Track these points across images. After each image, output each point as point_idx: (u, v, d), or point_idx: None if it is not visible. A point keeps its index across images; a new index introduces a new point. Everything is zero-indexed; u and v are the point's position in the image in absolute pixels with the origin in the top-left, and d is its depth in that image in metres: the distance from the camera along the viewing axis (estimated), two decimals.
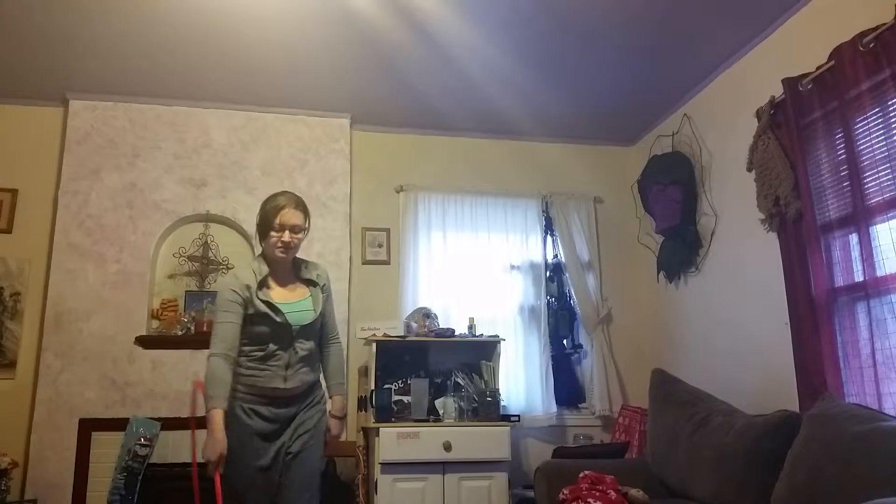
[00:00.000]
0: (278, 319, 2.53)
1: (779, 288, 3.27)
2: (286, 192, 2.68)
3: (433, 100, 4.27)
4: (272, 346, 2.54)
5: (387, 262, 4.46)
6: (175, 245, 4.21)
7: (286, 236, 2.57)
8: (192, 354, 3.94)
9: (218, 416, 2.36)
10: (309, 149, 4.46)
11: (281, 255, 2.58)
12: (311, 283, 2.70)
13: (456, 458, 3.65)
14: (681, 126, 4.29)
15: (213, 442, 2.34)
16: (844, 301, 2.93)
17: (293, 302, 2.61)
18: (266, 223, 2.58)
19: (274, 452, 2.53)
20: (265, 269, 2.61)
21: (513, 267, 4.59)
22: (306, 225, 2.64)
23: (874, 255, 2.71)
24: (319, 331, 2.71)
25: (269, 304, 2.53)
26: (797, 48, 3.29)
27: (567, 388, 4.57)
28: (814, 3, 3.23)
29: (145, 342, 3.97)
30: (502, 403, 3.98)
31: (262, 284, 2.58)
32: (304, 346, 2.60)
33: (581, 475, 2.99)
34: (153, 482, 3.69)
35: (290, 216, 2.58)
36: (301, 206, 2.63)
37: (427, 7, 3.31)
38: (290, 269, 2.68)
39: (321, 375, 2.75)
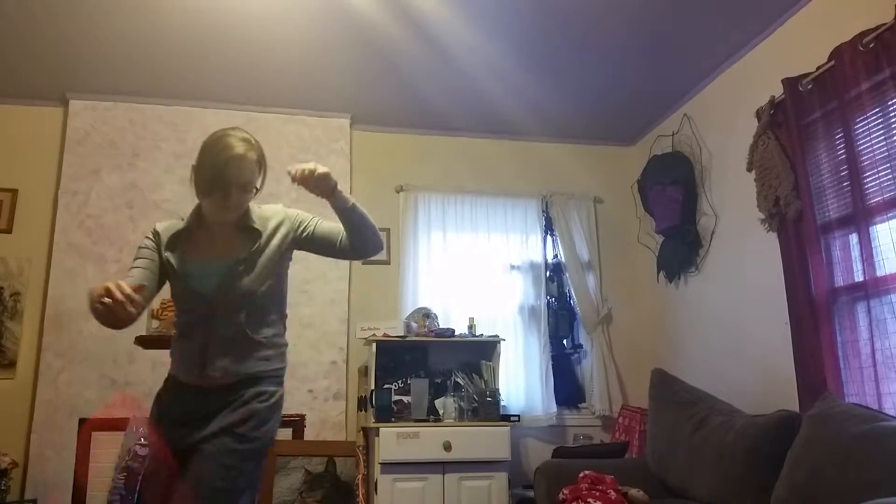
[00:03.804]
0: (181, 282, 1.98)
1: (779, 288, 3.27)
2: (237, 129, 1.99)
3: (433, 100, 4.27)
4: (184, 319, 2.01)
5: (387, 262, 4.45)
6: None
7: (233, 198, 1.93)
8: None
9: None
10: (309, 149, 4.46)
11: (222, 217, 1.99)
12: (252, 231, 2.02)
13: (456, 458, 3.65)
14: (681, 126, 4.29)
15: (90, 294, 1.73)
16: (844, 301, 2.93)
17: (210, 260, 1.98)
18: (210, 175, 1.91)
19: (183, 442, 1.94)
20: (192, 223, 2.04)
21: (513, 267, 4.59)
22: (259, 179, 1.99)
23: (874, 255, 2.71)
24: (330, 251, 2.14)
25: (168, 260, 1.99)
26: (797, 48, 3.29)
27: (567, 388, 4.57)
28: (814, 3, 3.23)
29: (145, 342, 3.95)
30: (502, 403, 3.98)
31: (180, 235, 2.02)
32: (228, 326, 1.95)
33: (581, 475, 2.99)
34: None
35: (242, 170, 1.92)
36: (256, 149, 1.96)
37: (427, 7, 3.31)
38: (231, 222, 2.03)
39: (274, 366, 2.04)
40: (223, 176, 1.90)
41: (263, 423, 1.97)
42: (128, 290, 1.68)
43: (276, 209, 2.11)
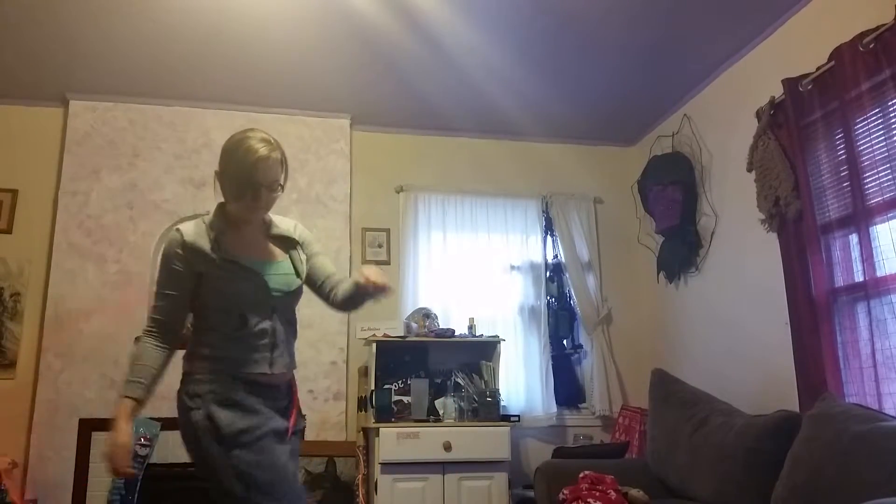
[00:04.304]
0: (251, 278, 1.98)
1: (779, 288, 3.27)
2: (255, 130, 2.01)
3: (433, 100, 4.27)
4: (250, 316, 1.96)
5: (387, 262, 4.45)
6: None
7: (262, 198, 1.98)
8: None
9: (125, 406, 1.87)
10: (309, 149, 4.46)
11: (252, 218, 2.04)
12: (286, 241, 2.11)
13: (456, 458, 3.65)
14: (681, 126, 4.29)
15: (111, 437, 1.84)
16: (844, 301, 2.93)
17: (269, 262, 2.04)
18: (238, 180, 1.94)
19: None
20: (220, 225, 2.02)
21: (513, 267, 4.59)
22: (283, 176, 2.03)
23: (874, 256, 2.71)
24: (312, 284, 2.17)
25: (232, 260, 1.98)
26: (797, 48, 3.29)
27: (567, 388, 4.57)
28: (814, 3, 3.23)
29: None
30: (502, 403, 3.98)
31: (218, 238, 2.00)
32: (286, 322, 2.05)
33: (581, 475, 2.99)
34: (153, 482, 3.68)
35: (269, 170, 1.96)
36: (279, 150, 2.01)
37: (427, 7, 3.31)
38: (259, 226, 2.09)
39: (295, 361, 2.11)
40: (252, 179, 1.94)
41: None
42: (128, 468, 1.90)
43: (292, 222, 2.19)
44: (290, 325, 2.09)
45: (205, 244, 1.97)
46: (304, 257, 2.14)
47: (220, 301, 1.97)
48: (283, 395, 2.04)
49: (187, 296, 1.98)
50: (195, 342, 2.00)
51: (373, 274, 1.96)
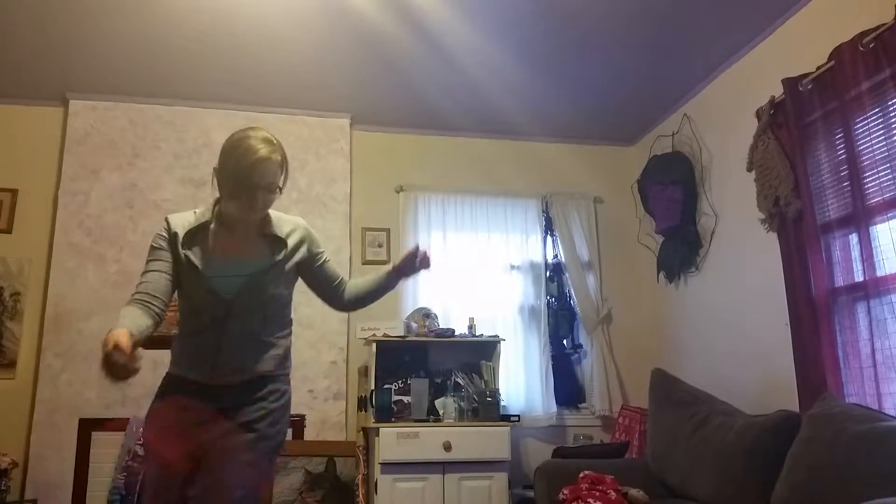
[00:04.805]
0: (201, 281, 1.95)
1: (779, 288, 3.27)
2: (257, 129, 1.99)
3: (433, 100, 4.27)
4: (195, 318, 1.98)
5: (387, 262, 4.45)
6: None
7: (259, 200, 1.94)
8: None
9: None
10: (309, 149, 4.46)
11: (247, 218, 2.01)
12: (276, 240, 2.05)
13: (456, 458, 3.65)
14: (681, 126, 4.29)
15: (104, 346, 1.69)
16: (844, 301, 2.92)
17: (233, 262, 1.98)
18: (235, 179, 1.91)
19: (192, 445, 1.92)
20: (207, 216, 2.02)
21: (513, 267, 4.59)
22: (282, 178, 2.00)
23: (874, 255, 2.71)
24: (325, 287, 2.19)
25: (188, 257, 1.96)
26: (797, 48, 3.29)
27: (567, 388, 4.57)
28: (814, 3, 3.23)
29: (145, 342, 3.96)
30: (502, 403, 3.98)
31: (197, 233, 1.99)
32: (243, 325, 1.97)
33: (581, 475, 2.99)
34: None
35: (267, 172, 1.93)
36: (278, 149, 1.98)
37: (427, 7, 3.31)
38: (252, 225, 2.06)
39: (284, 365, 2.10)
40: (249, 179, 1.91)
41: (277, 421, 2.02)
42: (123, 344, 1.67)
43: (296, 221, 2.14)
44: (263, 325, 2.02)
45: (179, 238, 1.98)
46: (298, 258, 2.09)
47: (183, 298, 2.02)
48: (232, 398, 1.97)
49: (168, 275, 1.96)
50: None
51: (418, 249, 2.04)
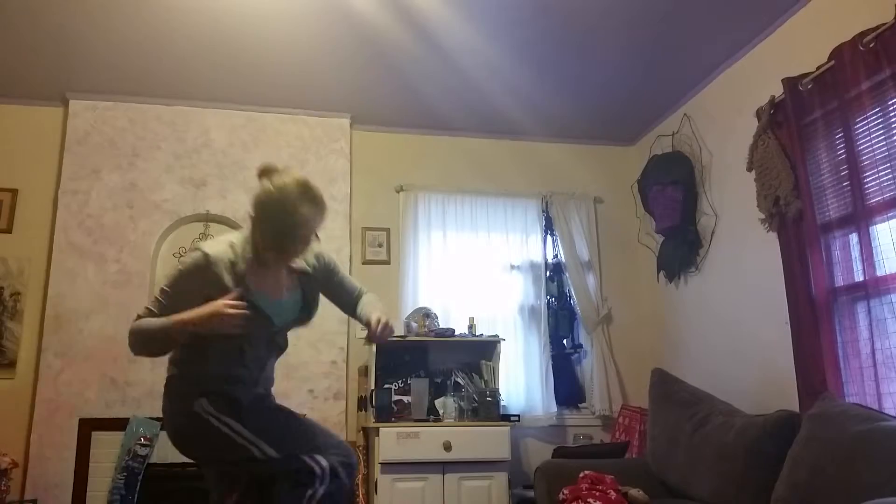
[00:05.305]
0: (260, 319, 2.05)
1: (779, 288, 3.27)
2: (299, 181, 1.99)
3: (433, 100, 4.27)
4: (232, 341, 2.03)
5: (387, 262, 4.46)
6: (175, 245, 4.21)
7: (299, 251, 2.07)
8: None
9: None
10: (309, 149, 4.46)
11: (282, 264, 2.12)
12: (304, 274, 2.18)
13: (456, 458, 3.65)
14: (681, 126, 4.29)
15: (206, 309, 1.90)
16: (844, 301, 2.93)
17: (272, 296, 2.10)
18: (273, 236, 1.98)
19: None
20: (249, 257, 2.04)
21: (513, 267, 4.59)
22: (320, 223, 2.07)
23: (874, 255, 2.71)
24: (344, 300, 2.33)
25: (249, 299, 1.99)
26: (797, 48, 3.29)
27: (567, 388, 4.57)
28: (814, 3, 3.23)
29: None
30: (502, 403, 3.98)
31: (241, 269, 2.02)
32: (274, 348, 2.23)
33: (581, 475, 2.99)
34: (153, 482, 3.69)
35: (309, 227, 2.00)
36: (320, 204, 2.01)
37: (427, 7, 3.31)
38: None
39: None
40: (290, 236, 1.99)
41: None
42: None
43: (318, 250, 2.25)
44: (283, 346, 2.27)
45: (227, 278, 1.99)
46: (325, 279, 2.24)
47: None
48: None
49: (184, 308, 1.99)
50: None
51: (376, 321, 2.10)
